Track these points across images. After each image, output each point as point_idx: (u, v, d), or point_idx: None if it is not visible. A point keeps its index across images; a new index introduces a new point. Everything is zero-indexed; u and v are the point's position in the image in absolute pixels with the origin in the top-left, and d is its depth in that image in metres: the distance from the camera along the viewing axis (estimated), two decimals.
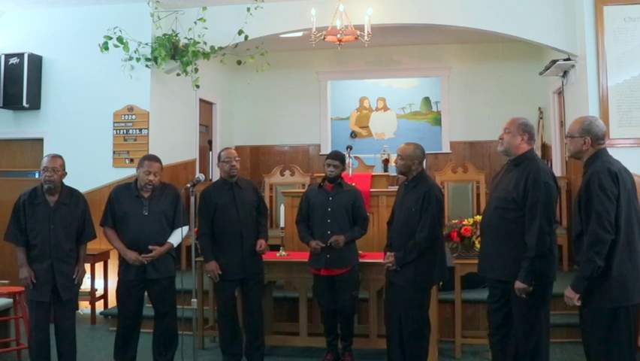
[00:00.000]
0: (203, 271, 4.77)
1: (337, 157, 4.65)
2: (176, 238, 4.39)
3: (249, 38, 6.45)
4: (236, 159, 4.56)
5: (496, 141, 3.67)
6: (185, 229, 4.44)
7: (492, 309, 3.63)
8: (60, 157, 4.30)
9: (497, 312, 3.58)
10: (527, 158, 3.49)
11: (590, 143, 3.19)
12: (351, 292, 4.52)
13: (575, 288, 3.09)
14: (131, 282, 4.29)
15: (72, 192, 4.34)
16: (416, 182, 4.13)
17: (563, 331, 4.58)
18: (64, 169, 4.28)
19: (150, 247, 4.24)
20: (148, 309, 4.47)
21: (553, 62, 6.50)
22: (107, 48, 6.30)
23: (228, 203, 4.50)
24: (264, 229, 4.66)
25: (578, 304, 3.10)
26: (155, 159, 4.43)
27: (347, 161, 5.69)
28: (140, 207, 4.31)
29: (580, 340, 3.36)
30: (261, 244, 4.52)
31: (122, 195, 4.38)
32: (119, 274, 4.36)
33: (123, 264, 4.32)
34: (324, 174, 4.71)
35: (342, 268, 4.50)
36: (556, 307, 4.55)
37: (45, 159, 4.25)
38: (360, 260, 4.67)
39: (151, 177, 4.31)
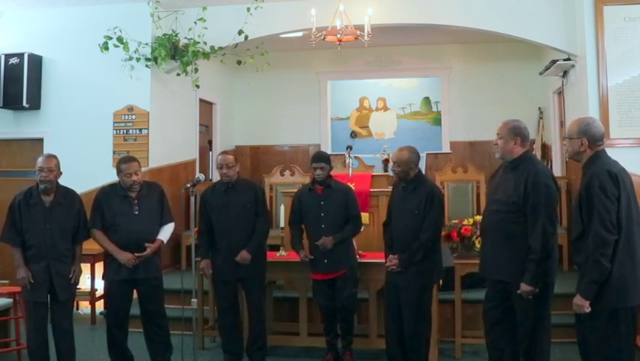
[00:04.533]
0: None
1: (321, 159, 4.52)
2: (165, 234, 4.41)
3: (249, 38, 6.45)
4: (229, 165, 4.45)
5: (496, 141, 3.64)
6: (173, 225, 4.47)
7: (488, 308, 3.61)
8: (54, 157, 4.26)
9: (494, 310, 3.56)
10: (524, 160, 3.46)
11: (587, 144, 3.15)
12: (351, 290, 4.52)
13: (585, 294, 3.02)
14: (120, 282, 4.26)
15: (67, 191, 4.32)
16: (415, 184, 4.13)
17: (563, 331, 4.57)
18: (59, 169, 4.26)
19: (146, 244, 4.24)
20: (134, 308, 4.44)
21: (553, 62, 6.50)
22: (107, 48, 6.30)
23: (220, 205, 4.50)
24: (258, 234, 4.51)
25: (588, 310, 3.02)
26: (130, 159, 4.40)
27: (347, 161, 5.71)
28: (130, 206, 4.30)
29: None
30: (242, 256, 4.39)
31: (109, 196, 4.37)
32: (106, 275, 4.34)
33: (112, 264, 4.28)
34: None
35: (341, 270, 4.50)
36: (556, 307, 4.53)
37: (40, 159, 4.22)
38: (360, 260, 4.66)
39: (134, 177, 4.30)
